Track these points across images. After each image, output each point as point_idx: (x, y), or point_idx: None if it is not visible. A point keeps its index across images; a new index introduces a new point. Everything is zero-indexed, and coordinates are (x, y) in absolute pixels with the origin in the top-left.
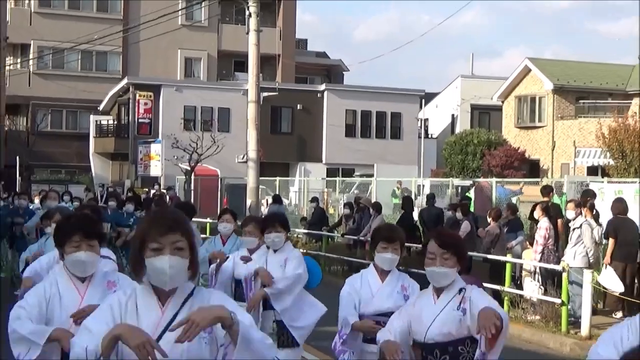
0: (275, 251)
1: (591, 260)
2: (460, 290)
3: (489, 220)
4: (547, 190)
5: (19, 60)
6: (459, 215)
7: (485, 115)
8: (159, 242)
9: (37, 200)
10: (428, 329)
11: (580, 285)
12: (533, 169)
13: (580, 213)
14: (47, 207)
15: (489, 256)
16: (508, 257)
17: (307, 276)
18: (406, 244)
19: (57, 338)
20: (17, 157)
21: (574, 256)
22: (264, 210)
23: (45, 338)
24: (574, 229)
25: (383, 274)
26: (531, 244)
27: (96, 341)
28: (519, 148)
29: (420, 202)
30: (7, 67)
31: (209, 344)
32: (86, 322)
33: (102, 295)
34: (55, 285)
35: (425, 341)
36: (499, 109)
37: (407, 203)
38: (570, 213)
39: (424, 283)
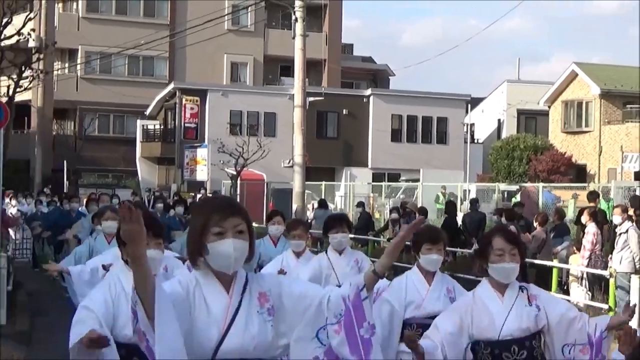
0: (340, 253)
1: (637, 266)
2: (521, 287)
3: (535, 225)
4: (593, 196)
5: (66, 65)
6: (504, 220)
7: (531, 120)
8: (222, 226)
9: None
10: (503, 325)
11: (627, 291)
12: (580, 174)
13: (627, 218)
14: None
15: (536, 261)
16: (555, 262)
17: None
18: (451, 249)
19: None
20: (65, 162)
21: (620, 261)
22: (310, 215)
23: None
24: (620, 234)
25: (428, 275)
26: (578, 249)
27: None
28: (565, 153)
29: (465, 207)
30: (55, 72)
31: (274, 326)
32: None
33: None
34: (119, 283)
35: (501, 338)
36: (545, 113)
37: (450, 207)
38: (617, 218)
39: (470, 288)
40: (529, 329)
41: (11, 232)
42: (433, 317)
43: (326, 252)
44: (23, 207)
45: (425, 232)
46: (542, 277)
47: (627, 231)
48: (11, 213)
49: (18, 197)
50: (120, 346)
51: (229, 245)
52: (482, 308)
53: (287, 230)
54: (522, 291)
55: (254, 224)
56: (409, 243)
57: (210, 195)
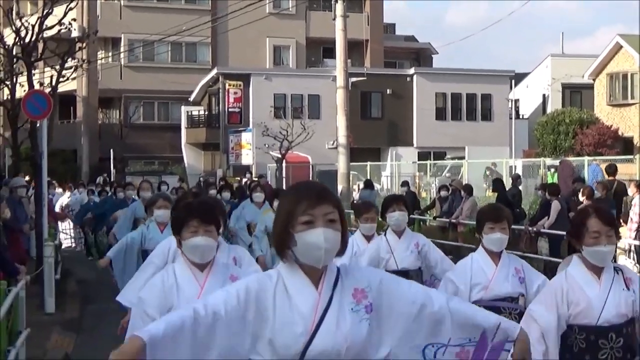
0: (399, 236)
1: None
2: (616, 269)
3: (582, 199)
4: (612, 169)
5: (110, 54)
6: (547, 195)
7: (576, 94)
8: (311, 214)
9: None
10: (602, 312)
11: None
12: (627, 146)
13: None
14: (142, 198)
15: None
16: None
17: None
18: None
19: None
20: (111, 150)
21: None
22: (355, 195)
23: None
24: None
25: (494, 256)
26: (625, 222)
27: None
28: (611, 126)
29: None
30: (99, 62)
31: (371, 325)
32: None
33: (222, 286)
34: (172, 275)
35: (599, 324)
36: (590, 87)
37: (497, 184)
38: None
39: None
40: (626, 315)
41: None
42: (501, 300)
43: (385, 235)
44: (75, 196)
45: (487, 211)
46: None
47: None
48: (62, 204)
49: (73, 188)
50: None
51: (319, 235)
52: (578, 291)
53: (358, 214)
54: (617, 273)
55: None
56: (454, 221)
57: (257, 179)
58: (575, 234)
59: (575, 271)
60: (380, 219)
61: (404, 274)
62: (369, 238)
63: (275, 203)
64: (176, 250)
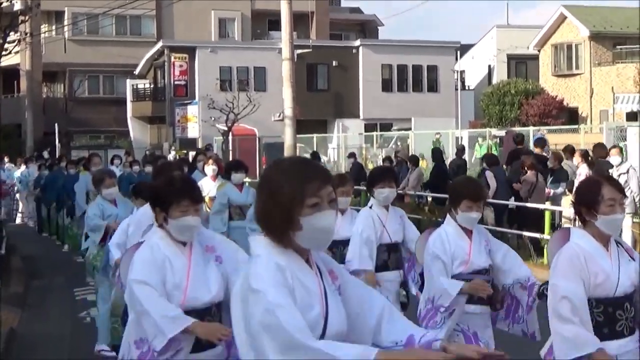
0: (387, 209)
1: (638, 205)
2: (616, 242)
3: (525, 169)
4: (541, 143)
5: (54, 28)
6: (484, 165)
7: (522, 64)
8: (319, 197)
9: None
10: (618, 282)
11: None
12: (572, 117)
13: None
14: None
15: (528, 204)
16: (547, 205)
17: None
18: (438, 195)
19: (194, 332)
20: (56, 124)
21: None
22: None
23: (177, 331)
24: (619, 175)
25: (467, 231)
26: (570, 191)
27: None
28: (557, 96)
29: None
30: (42, 35)
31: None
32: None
33: (204, 258)
34: (159, 249)
35: (616, 295)
36: (535, 58)
37: (436, 155)
38: (615, 159)
39: None
40: (633, 284)
41: (18, 197)
42: (478, 272)
43: (371, 208)
44: (27, 171)
45: (467, 188)
46: (535, 221)
47: (627, 171)
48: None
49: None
50: (189, 313)
51: (329, 218)
52: (593, 263)
53: (333, 187)
54: (618, 245)
55: (247, 179)
56: (400, 192)
57: (205, 148)
58: (589, 204)
59: (584, 243)
60: (368, 193)
61: (395, 246)
62: (342, 212)
63: (237, 175)
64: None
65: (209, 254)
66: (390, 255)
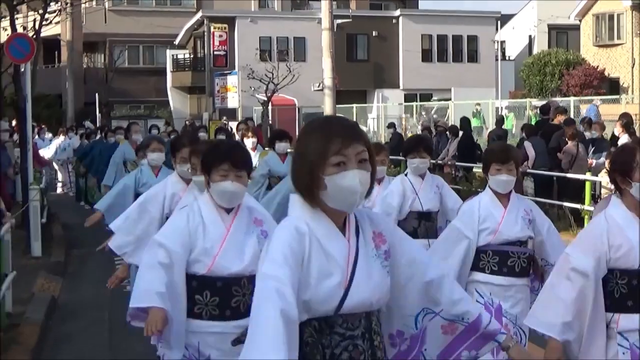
0: (422, 177)
1: None
2: None
3: (567, 139)
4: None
5: None
6: (525, 136)
7: (562, 35)
8: (344, 155)
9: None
10: None
11: None
12: (613, 87)
13: None
14: (133, 140)
15: (569, 175)
16: (587, 176)
17: None
18: (464, 164)
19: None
20: (97, 95)
21: None
22: None
23: (135, 306)
24: None
25: (503, 198)
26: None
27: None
28: (597, 67)
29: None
30: (83, 6)
31: (389, 274)
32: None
33: (247, 229)
34: (199, 214)
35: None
36: (576, 28)
37: (464, 124)
38: None
39: None
40: None
41: (56, 165)
42: (510, 243)
43: (406, 175)
44: (67, 141)
45: (494, 151)
46: (577, 191)
47: None
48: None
49: (68, 132)
50: (191, 278)
51: (354, 177)
52: (618, 233)
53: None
54: None
55: (290, 150)
56: (440, 162)
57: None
58: (623, 171)
59: (615, 212)
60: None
61: (427, 215)
62: (379, 181)
63: (281, 145)
64: (173, 197)
65: (256, 226)
66: (421, 224)
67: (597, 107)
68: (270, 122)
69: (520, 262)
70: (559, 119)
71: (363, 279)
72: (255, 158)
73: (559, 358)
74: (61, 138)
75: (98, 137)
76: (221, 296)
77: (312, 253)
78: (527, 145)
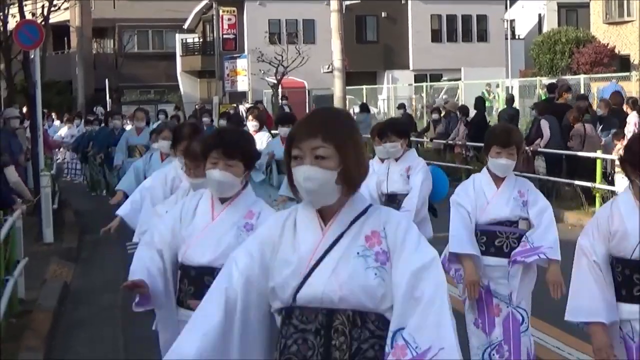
0: (396, 160)
1: None
2: None
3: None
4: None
5: None
6: (537, 114)
7: (572, 12)
8: (299, 149)
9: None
10: (638, 246)
11: None
12: (623, 64)
13: None
14: (136, 127)
15: (579, 153)
16: (598, 154)
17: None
18: (476, 144)
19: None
20: (107, 80)
21: None
22: None
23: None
24: None
25: (498, 179)
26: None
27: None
28: (608, 44)
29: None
30: None
31: (382, 278)
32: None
33: (232, 221)
34: (196, 201)
35: (633, 258)
36: (586, 5)
37: (479, 103)
38: None
39: None
40: None
41: (60, 153)
42: (499, 223)
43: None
44: (72, 130)
45: (496, 134)
46: (587, 169)
47: None
48: (59, 135)
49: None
50: (188, 268)
51: (301, 173)
52: (619, 221)
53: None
54: None
55: None
56: (451, 142)
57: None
58: (633, 162)
59: (622, 199)
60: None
61: (392, 197)
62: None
63: (284, 129)
64: (174, 180)
65: (245, 219)
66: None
67: (622, 88)
68: (286, 103)
69: (509, 242)
70: (565, 97)
71: (325, 273)
72: (259, 142)
73: (610, 344)
74: (65, 129)
75: (97, 127)
76: (195, 286)
77: (283, 241)
78: (544, 124)
